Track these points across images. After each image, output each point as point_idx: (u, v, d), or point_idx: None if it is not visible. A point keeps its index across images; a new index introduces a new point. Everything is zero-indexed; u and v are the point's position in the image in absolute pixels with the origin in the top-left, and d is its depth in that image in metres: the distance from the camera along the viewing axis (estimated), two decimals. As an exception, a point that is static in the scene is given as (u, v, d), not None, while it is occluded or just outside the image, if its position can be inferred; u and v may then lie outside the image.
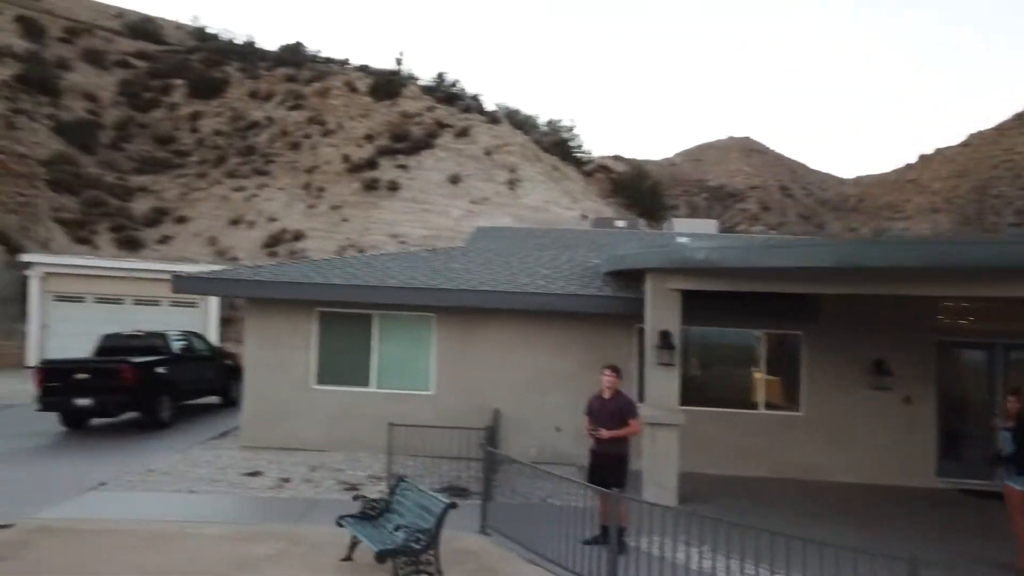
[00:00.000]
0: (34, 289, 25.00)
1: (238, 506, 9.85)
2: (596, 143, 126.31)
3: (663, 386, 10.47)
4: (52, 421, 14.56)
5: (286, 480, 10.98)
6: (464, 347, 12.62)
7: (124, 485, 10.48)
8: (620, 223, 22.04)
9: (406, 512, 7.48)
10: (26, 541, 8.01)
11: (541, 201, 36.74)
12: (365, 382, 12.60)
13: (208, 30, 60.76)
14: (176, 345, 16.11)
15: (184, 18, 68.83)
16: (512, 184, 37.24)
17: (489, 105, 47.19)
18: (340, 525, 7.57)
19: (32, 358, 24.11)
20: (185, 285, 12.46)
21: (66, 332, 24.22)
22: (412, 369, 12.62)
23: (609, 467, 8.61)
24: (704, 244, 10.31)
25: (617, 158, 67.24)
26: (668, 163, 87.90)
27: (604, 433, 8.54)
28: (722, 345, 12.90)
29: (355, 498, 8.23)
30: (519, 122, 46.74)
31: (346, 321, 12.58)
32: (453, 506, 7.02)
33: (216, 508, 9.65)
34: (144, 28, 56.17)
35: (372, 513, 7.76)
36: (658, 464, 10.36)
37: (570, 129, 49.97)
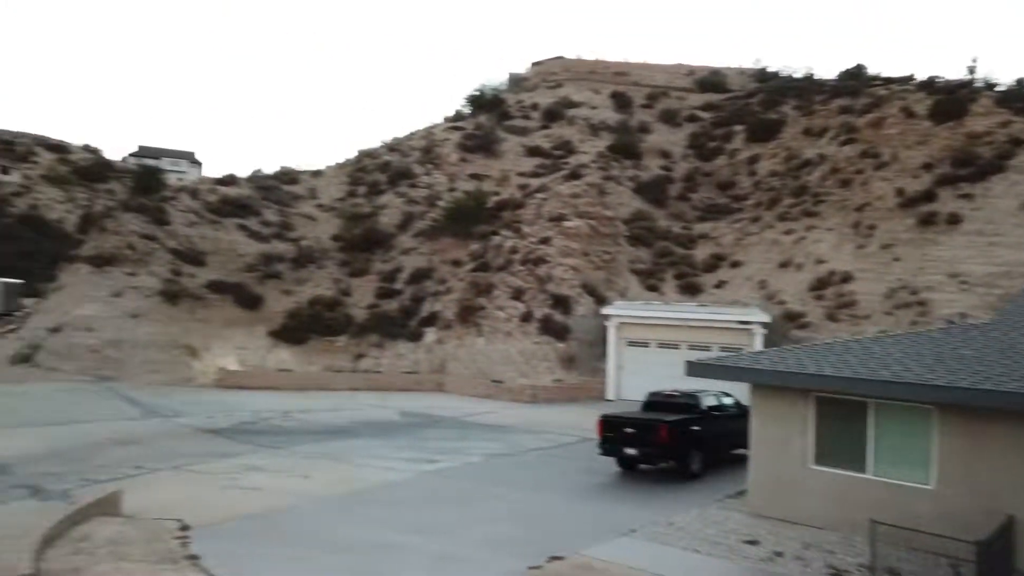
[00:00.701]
0: (611, 336, 30.78)
1: (728, 573, 11.52)
2: None
3: None
4: (610, 460, 18.32)
5: (779, 554, 12.21)
6: (970, 443, 11.99)
7: (647, 535, 13.10)
8: None
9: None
10: (570, 575, 11.06)
11: None
12: (861, 468, 12.95)
13: (769, 70, 63.76)
14: (706, 404, 18.55)
15: (747, 63, 72.73)
16: None
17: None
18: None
19: (610, 393, 29.71)
20: (697, 371, 14.64)
21: (634, 372, 29.22)
22: (910, 460, 12.50)
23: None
24: None
25: None
26: None
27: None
28: None
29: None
30: None
31: (841, 407, 13.15)
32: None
33: (710, 572, 11.49)
34: (711, 81, 61.74)
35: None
36: None
37: None
